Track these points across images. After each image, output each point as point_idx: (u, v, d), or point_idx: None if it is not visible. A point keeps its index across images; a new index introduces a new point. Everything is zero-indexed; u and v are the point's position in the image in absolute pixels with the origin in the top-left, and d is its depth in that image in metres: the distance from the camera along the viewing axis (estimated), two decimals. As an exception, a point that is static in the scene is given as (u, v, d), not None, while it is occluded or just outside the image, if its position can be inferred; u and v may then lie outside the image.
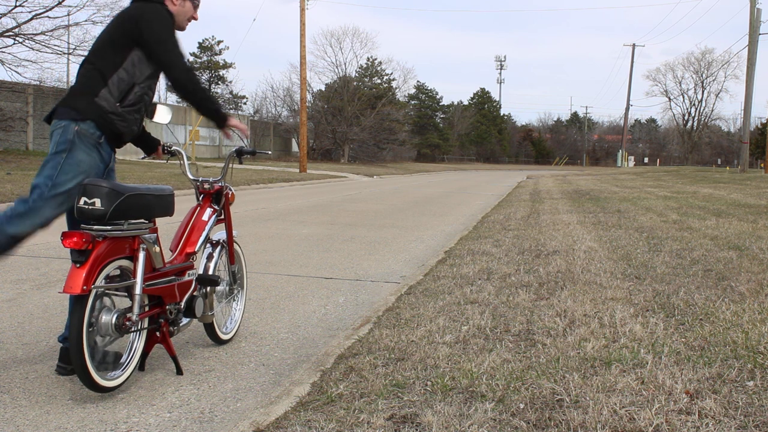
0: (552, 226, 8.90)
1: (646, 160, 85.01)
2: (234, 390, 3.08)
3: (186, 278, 3.33)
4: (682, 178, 29.36)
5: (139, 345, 3.06)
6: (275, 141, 49.07)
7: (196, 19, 3.43)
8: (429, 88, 77.47)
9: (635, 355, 3.18)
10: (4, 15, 22.11)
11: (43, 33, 22.96)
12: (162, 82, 3.42)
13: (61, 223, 3.18)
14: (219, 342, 3.71)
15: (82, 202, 2.80)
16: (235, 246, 3.81)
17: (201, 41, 54.92)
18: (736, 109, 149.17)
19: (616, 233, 8.06)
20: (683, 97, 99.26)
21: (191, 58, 53.38)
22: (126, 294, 2.99)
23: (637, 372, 2.94)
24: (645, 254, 6.31)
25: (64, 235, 2.72)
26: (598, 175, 36.56)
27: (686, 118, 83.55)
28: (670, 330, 3.63)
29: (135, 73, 3.11)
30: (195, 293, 3.37)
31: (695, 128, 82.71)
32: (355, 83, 53.54)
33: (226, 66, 54.93)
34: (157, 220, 3.20)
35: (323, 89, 53.87)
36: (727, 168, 55.59)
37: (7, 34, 22.17)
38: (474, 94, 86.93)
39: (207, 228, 3.50)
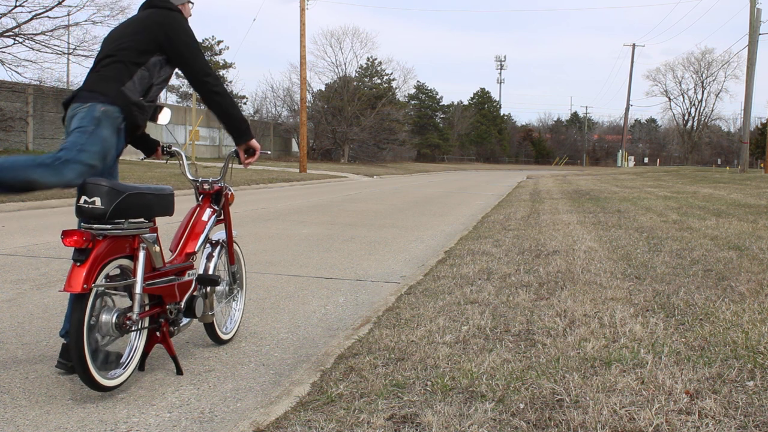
0: (552, 226, 8.90)
1: (646, 160, 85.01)
2: (234, 390, 3.08)
3: (186, 278, 3.33)
4: (682, 178, 29.36)
5: (140, 344, 3.06)
6: (275, 141, 49.08)
7: (189, 16, 3.49)
8: (429, 88, 77.55)
9: (635, 355, 3.18)
10: (4, 15, 22.12)
11: (43, 33, 22.99)
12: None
13: (61, 223, 3.17)
14: (219, 342, 3.71)
15: (82, 200, 2.80)
16: (235, 246, 3.81)
17: (201, 41, 54.97)
18: (736, 109, 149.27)
19: (616, 233, 8.06)
20: (683, 97, 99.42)
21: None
22: (126, 293, 3.00)
23: (637, 372, 2.94)
24: (645, 254, 6.31)
25: (65, 234, 2.72)
26: (598, 175, 36.56)
27: (686, 118, 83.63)
28: (670, 330, 3.63)
29: (154, 74, 3.19)
30: (195, 293, 3.37)
31: (695, 128, 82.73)
32: (355, 83, 53.56)
33: (226, 66, 54.94)
34: (157, 220, 3.20)
35: (323, 89, 53.92)
36: (727, 168, 55.60)
37: (7, 34, 22.17)
38: (474, 94, 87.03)
39: (207, 228, 3.50)
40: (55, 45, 23.39)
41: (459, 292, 4.66)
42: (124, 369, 2.97)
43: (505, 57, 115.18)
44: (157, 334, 3.14)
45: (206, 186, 3.57)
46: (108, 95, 3.04)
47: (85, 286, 2.66)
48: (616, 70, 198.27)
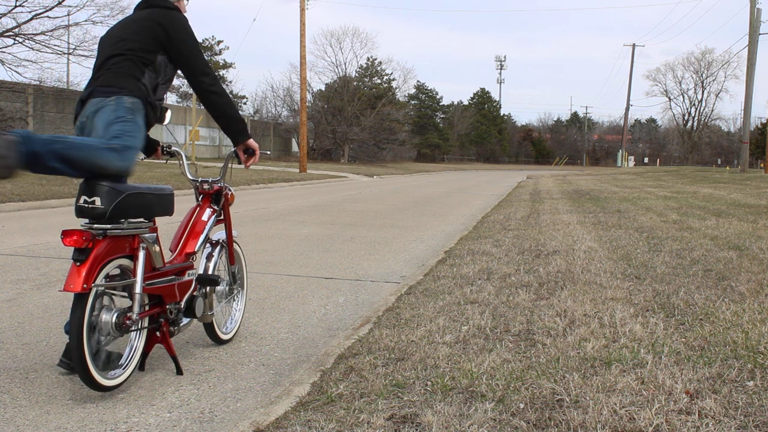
0: (552, 226, 8.90)
1: (646, 160, 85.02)
2: (234, 390, 3.08)
3: (186, 278, 3.34)
4: (682, 178, 29.36)
5: (140, 344, 3.06)
6: (275, 141, 49.08)
7: (185, 12, 3.50)
8: (429, 88, 77.54)
9: (635, 355, 3.18)
10: (4, 15, 22.12)
11: (43, 33, 22.98)
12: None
13: (61, 223, 3.17)
14: (219, 342, 3.71)
15: (82, 200, 2.80)
16: (235, 246, 3.81)
17: (201, 41, 54.96)
18: (736, 109, 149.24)
19: (616, 233, 8.06)
20: (683, 97, 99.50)
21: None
22: (126, 293, 3.00)
23: (637, 372, 2.94)
24: (645, 254, 6.31)
25: (65, 233, 2.72)
26: (598, 175, 36.56)
27: (686, 118, 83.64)
28: (670, 330, 3.63)
29: (160, 74, 3.20)
30: (195, 293, 3.37)
31: (695, 128, 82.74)
32: (355, 83, 53.56)
33: (226, 66, 54.94)
34: (157, 219, 3.20)
35: (323, 89, 53.91)
36: (727, 168, 55.60)
37: (7, 34, 22.17)
38: (474, 94, 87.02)
39: (206, 228, 3.50)
40: (55, 45, 23.39)
41: (459, 292, 4.66)
42: (124, 369, 2.97)
43: (505, 57, 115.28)
44: (157, 334, 3.14)
45: (206, 186, 3.57)
46: (129, 89, 3.04)
47: (85, 285, 2.66)
48: (616, 70, 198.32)
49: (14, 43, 22.64)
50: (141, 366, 3.15)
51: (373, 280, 5.76)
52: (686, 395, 2.67)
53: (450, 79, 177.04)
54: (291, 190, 19.02)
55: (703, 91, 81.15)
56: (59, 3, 22.70)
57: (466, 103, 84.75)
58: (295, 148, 49.62)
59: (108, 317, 2.84)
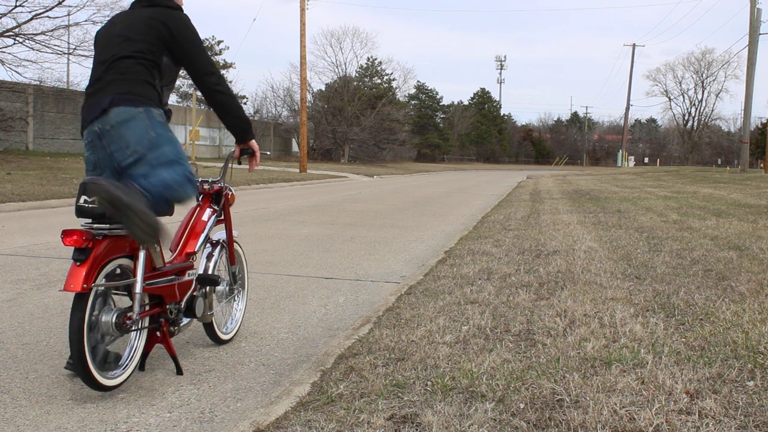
0: (552, 226, 8.90)
1: (646, 160, 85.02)
2: (234, 390, 3.08)
3: (186, 278, 3.33)
4: (682, 178, 29.36)
5: (140, 344, 3.06)
6: (275, 141, 49.07)
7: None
8: (429, 88, 77.53)
9: (635, 355, 3.18)
10: (4, 15, 22.11)
11: (43, 33, 22.94)
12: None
13: (61, 223, 3.17)
14: (219, 342, 3.71)
15: (82, 200, 2.80)
16: (236, 246, 3.82)
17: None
18: (736, 109, 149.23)
19: (616, 233, 8.06)
20: (683, 97, 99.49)
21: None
22: (126, 293, 2.99)
23: (637, 372, 2.94)
24: (645, 254, 6.31)
25: (65, 233, 2.72)
26: (598, 175, 36.56)
27: (686, 118, 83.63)
28: (670, 330, 3.63)
29: (164, 76, 3.19)
30: (195, 293, 3.37)
31: (695, 128, 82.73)
32: (355, 83, 53.55)
33: (227, 66, 54.91)
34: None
35: (323, 89, 53.91)
36: (727, 168, 55.59)
37: (7, 34, 22.15)
38: (474, 94, 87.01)
39: (207, 228, 3.50)
40: (55, 45, 23.35)
41: (459, 292, 4.66)
42: (124, 369, 2.97)
43: (505, 57, 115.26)
44: (157, 333, 3.14)
45: (206, 186, 3.57)
46: (151, 98, 3.05)
47: (85, 285, 2.66)
48: (616, 70, 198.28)
49: (14, 43, 22.63)
50: (141, 366, 3.15)
51: (374, 280, 5.76)
52: (686, 395, 2.67)
53: (450, 79, 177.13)
54: (291, 190, 19.02)
55: (703, 91, 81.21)
56: (59, 3, 22.69)
57: (466, 103, 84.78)
58: (295, 148, 49.62)
59: (108, 317, 2.84)
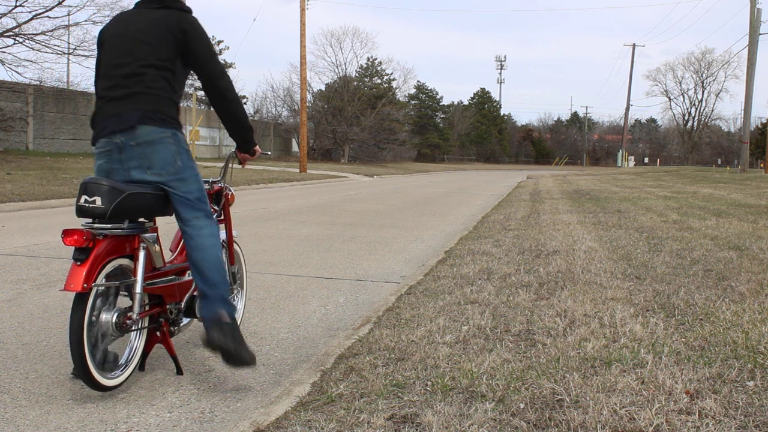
0: (552, 226, 8.90)
1: (646, 160, 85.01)
2: (234, 390, 3.08)
3: (186, 278, 3.33)
4: (682, 178, 29.36)
5: (140, 344, 3.06)
6: (275, 141, 49.07)
7: None
8: (429, 88, 77.53)
9: (635, 355, 3.18)
10: (4, 15, 22.10)
11: (43, 33, 22.94)
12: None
13: (61, 223, 3.17)
14: (219, 342, 3.70)
15: (82, 200, 2.80)
16: (235, 246, 3.81)
17: (201, 41, 54.77)
18: (736, 109, 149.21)
19: (617, 233, 8.06)
20: (683, 97, 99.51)
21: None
22: (126, 293, 2.99)
23: (637, 372, 2.94)
24: (645, 254, 6.31)
25: (65, 233, 2.72)
26: (598, 175, 36.56)
27: (686, 118, 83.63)
28: (670, 330, 3.63)
29: (182, 87, 3.16)
30: (195, 293, 3.37)
31: (695, 128, 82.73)
32: (355, 83, 53.55)
33: (227, 66, 54.88)
34: (157, 219, 3.20)
35: (323, 89, 53.90)
36: (727, 168, 55.59)
37: (7, 34, 22.15)
38: (474, 94, 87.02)
39: (207, 228, 3.49)
40: (55, 45, 23.35)
41: (459, 292, 4.66)
42: (124, 369, 2.97)
43: (505, 57, 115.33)
44: (158, 333, 3.14)
45: (206, 186, 3.57)
46: (177, 120, 3.06)
47: (85, 285, 2.66)
48: (616, 70, 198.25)
49: (14, 43, 22.62)
50: (141, 366, 3.15)
51: (374, 280, 5.76)
52: (686, 395, 2.67)
53: (450, 79, 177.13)
54: (291, 190, 19.02)
55: (703, 91, 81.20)
56: (59, 3, 22.68)
57: (466, 103, 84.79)
58: (295, 148, 49.61)
59: (108, 317, 2.85)
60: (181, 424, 2.68)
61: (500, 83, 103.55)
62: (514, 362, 3.10)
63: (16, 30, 22.38)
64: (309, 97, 49.31)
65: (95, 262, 2.72)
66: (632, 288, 4.74)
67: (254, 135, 3.41)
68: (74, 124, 27.09)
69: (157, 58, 3.00)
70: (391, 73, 63.09)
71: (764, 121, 65.40)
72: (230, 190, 3.72)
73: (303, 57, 30.35)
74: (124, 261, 2.94)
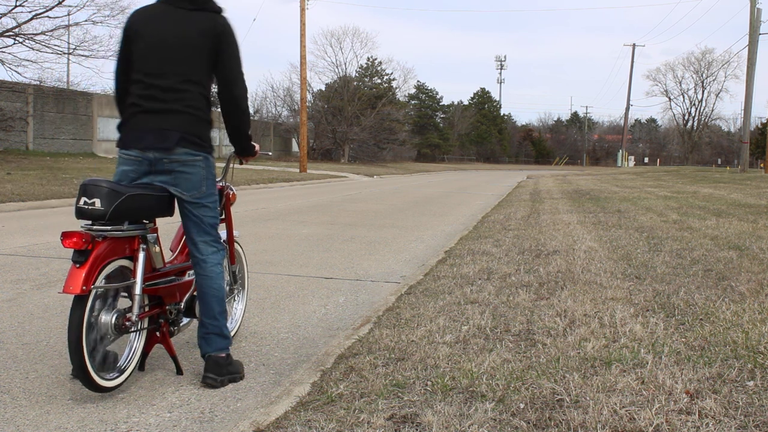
0: (552, 226, 8.90)
1: (646, 160, 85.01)
2: (234, 390, 3.08)
3: (186, 278, 3.33)
4: (682, 178, 29.36)
5: (139, 345, 3.06)
6: (275, 141, 49.07)
7: None
8: (429, 88, 77.51)
9: (635, 355, 3.18)
10: (4, 15, 22.10)
11: (43, 33, 22.94)
12: None
13: (61, 223, 3.17)
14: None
15: (82, 202, 2.80)
16: (236, 246, 3.81)
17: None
18: (736, 109, 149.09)
19: (617, 233, 8.06)
20: (683, 97, 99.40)
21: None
22: (126, 294, 2.99)
23: (637, 372, 2.94)
24: (645, 254, 6.31)
25: (64, 235, 2.71)
26: (598, 175, 36.56)
27: (686, 118, 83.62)
28: (670, 330, 3.63)
29: (210, 91, 3.15)
30: (195, 293, 3.37)
31: (695, 128, 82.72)
32: (355, 83, 53.55)
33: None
34: (157, 220, 3.19)
35: (323, 89, 53.91)
36: (727, 168, 55.59)
37: (7, 34, 22.15)
38: (474, 94, 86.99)
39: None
40: (55, 45, 23.36)
41: (459, 292, 4.66)
42: (123, 369, 2.97)
43: (505, 57, 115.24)
44: (157, 334, 3.14)
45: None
46: (211, 143, 3.10)
47: (84, 287, 2.66)
48: (616, 70, 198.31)
49: (14, 43, 22.63)
50: (141, 366, 3.15)
51: (374, 280, 5.76)
52: (686, 395, 2.67)
53: (450, 79, 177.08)
54: (291, 190, 19.02)
55: (703, 91, 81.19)
56: (59, 3, 22.69)
57: (466, 103, 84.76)
58: (295, 148, 49.61)
59: (107, 318, 2.84)
60: (181, 424, 2.68)
61: (500, 83, 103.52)
62: (514, 362, 3.10)
63: (16, 30, 22.39)
64: (309, 97, 49.33)
65: (94, 265, 2.72)
66: (632, 288, 4.74)
67: (254, 135, 3.43)
68: (74, 124, 27.09)
69: (197, 74, 3.00)
70: (391, 73, 63.15)
71: (764, 121, 65.41)
72: (231, 190, 3.72)
73: (303, 57, 30.36)
74: (124, 262, 2.94)
